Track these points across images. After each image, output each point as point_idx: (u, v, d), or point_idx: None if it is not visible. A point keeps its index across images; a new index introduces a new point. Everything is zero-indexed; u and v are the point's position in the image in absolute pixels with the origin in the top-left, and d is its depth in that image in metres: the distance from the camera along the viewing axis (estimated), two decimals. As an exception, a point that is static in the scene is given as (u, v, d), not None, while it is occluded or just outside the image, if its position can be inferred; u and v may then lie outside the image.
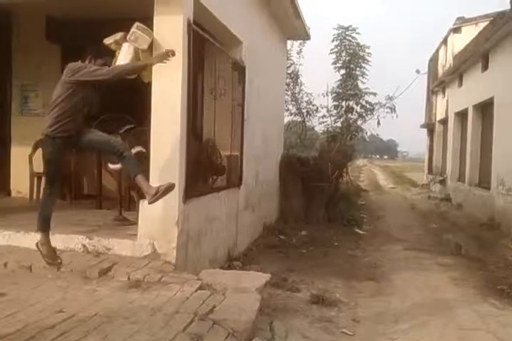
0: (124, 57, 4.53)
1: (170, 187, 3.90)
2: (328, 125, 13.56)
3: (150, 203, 3.90)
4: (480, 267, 7.15)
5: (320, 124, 13.96)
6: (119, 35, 4.61)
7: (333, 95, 13.27)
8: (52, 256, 3.90)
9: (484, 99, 12.71)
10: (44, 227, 3.96)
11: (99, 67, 3.90)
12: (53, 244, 4.05)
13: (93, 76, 3.83)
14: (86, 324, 3.05)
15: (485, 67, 12.85)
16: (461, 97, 15.90)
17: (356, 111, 13.12)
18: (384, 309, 5.12)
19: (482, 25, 15.02)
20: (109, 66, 4.04)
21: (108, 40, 4.66)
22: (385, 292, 5.75)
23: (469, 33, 16.12)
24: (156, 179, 4.46)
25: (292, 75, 13.68)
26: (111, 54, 4.57)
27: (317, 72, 18.84)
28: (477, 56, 13.23)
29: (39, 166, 6.72)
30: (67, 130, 3.84)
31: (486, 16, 15.64)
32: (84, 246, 4.50)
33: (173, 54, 4.09)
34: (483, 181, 12.98)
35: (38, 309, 3.26)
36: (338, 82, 13.26)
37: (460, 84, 16.13)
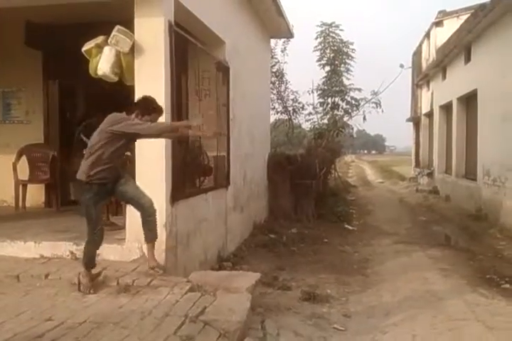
0: (105, 60, 4.52)
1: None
2: (314, 122, 13.62)
3: (150, 269, 4.04)
4: (469, 257, 7.24)
5: (307, 122, 14.02)
6: (100, 39, 4.60)
7: (319, 92, 13.33)
8: (88, 286, 3.83)
9: (468, 92, 12.83)
10: (91, 265, 3.95)
11: (140, 122, 3.84)
12: (41, 251, 4.03)
13: (132, 129, 3.79)
14: (75, 331, 3.04)
15: (468, 60, 12.96)
16: (445, 90, 16.03)
17: (342, 108, 13.21)
18: (375, 303, 5.17)
19: (463, 17, 15.15)
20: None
21: (89, 44, 4.65)
22: (376, 286, 5.80)
23: (451, 26, 16.24)
24: (142, 182, 4.45)
25: (277, 74, 13.72)
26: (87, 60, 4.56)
27: (303, 69, 18.90)
28: (459, 49, 13.34)
29: (24, 173, 6.72)
30: (104, 177, 3.85)
31: (467, 9, 15.76)
32: (72, 252, 4.48)
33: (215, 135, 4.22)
34: (470, 172, 13.12)
35: (27, 318, 3.25)
36: (323, 79, 13.32)
37: (444, 77, 16.26)
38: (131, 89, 4.60)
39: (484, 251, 7.61)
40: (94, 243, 3.95)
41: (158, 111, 3.99)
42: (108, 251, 4.45)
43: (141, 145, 4.49)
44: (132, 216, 4.45)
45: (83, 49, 4.65)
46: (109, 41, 4.49)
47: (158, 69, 4.52)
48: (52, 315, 3.30)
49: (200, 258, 5.49)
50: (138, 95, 4.50)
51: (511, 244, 8.06)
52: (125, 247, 4.46)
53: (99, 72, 4.53)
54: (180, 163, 5.04)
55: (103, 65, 4.51)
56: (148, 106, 3.93)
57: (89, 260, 3.94)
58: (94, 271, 3.97)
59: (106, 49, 4.52)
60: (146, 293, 3.77)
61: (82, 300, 3.60)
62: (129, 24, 4.50)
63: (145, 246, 4.39)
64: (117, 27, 4.47)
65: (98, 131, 3.90)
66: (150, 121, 3.88)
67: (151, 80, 4.52)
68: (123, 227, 4.67)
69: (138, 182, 4.45)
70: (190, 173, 5.64)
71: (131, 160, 4.68)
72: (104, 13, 5.20)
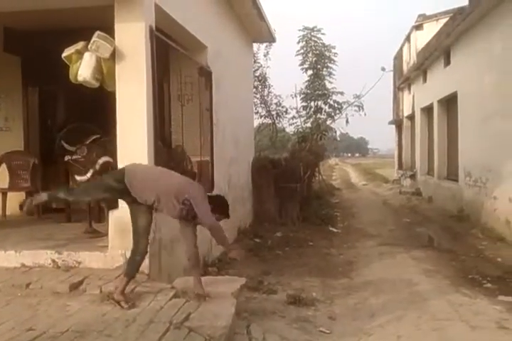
0: (86, 66, 4.49)
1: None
2: (298, 126, 13.71)
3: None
4: (452, 258, 7.34)
5: (290, 125, 14.12)
6: (80, 45, 4.56)
7: (302, 96, 13.43)
8: (127, 300, 3.68)
9: (448, 94, 13.03)
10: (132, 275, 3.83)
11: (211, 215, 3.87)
12: (22, 260, 3.96)
13: (204, 217, 3.82)
14: (58, 340, 2.99)
15: (447, 63, 13.17)
16: (426, 93, 16.25)
17: (325, 111, 13.32)
18: (360, 305, 5.20)
19: (443, 21, 15.41)
20: None
21: (69, 50, 4.61)
22: (361, 288, 5.83)
23: (431, 30, 16.50)
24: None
25: (260, 78, 13.78)
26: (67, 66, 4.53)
27: (286, 73, 18.99)
28: (439, 52, 13.55)
29: (3, 181, 6.61)
30: None
31: (446, 13, 16.03)
32: (53, 261, 4.40)
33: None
34: (452, 174, 13.30)
35: (8, 328, 3.18)
36: (306, 83, 13.42)
37: (424, 80, 16.49)
38: (112, 95, 4.57)
39: (466, 252, 7.72)
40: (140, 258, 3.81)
41: (225, 217, 4.09)
42: (90, 259, 4.39)
43: (123, 151, 4.46)
44: (114, 223, 4.42)
45: (63, 55, 4.61)
46: (89, 47, 4.45)
47: (139, 74, 4.50)
48: (34, 324, 3.24)
49: (184, 264, 5.43)
50: (119, 101, 4.50)
51: (492, 244, 8.19)
52: (108, 254, 4.40)
53: (80, 78, 4.49)
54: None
55: (83, 70, 4.47)
56: (226, 211, 4.06)
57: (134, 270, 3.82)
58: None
59: (86, 55, 4.48)
60: (130, 300, 3.73)
61: (65, 309, 3.54)
62: (109, 30, 4.47)
63: (129, 253, 4.36)
64: (97, 32, 4.44)
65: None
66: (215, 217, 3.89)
67: (133, 86, 4.49)
68: (106, 234, 4.62)
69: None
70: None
71: (114, 167, 4.65)
72: (84, 18, 5.17)
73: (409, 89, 19.75)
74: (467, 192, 11.10)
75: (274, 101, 14.07)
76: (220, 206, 3.99)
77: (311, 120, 13.35)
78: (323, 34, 13.24)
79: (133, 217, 3.77)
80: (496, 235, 8.60)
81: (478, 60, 10.41)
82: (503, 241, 8.22)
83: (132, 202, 3.74)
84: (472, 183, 10.76)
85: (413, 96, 18.78)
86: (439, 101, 14.34)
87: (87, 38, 4.45)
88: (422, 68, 16.30)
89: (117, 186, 3.68)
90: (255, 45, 12.37)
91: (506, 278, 6.16)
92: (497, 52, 9.17)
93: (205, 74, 6.68)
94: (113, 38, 4.47)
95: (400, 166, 22.52)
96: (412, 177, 18.75)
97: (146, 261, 4.31)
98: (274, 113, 14.05)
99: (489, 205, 9.50)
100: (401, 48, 22.12)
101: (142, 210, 3.74)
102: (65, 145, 5.33)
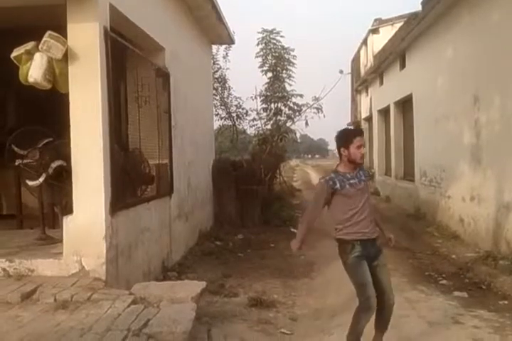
0: (36, 67, 4.33)
1: None
2: (258, 128, 13.72)
3: None
4: (409, 256, 7.51)
5: (251, 127, 14.10)
6: (30, 45, 4.41)
7: (262, 98, 13.45)
8: None
9: (404, 96, 13.39)
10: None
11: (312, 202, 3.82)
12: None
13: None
14: (8, 353, 2.87)
15: (402, 66, 13.53)
16: (382, 95, 16.64)
17: (285, 113, 13.37)
18: (321, 305, 5.24)
19: (398, 25, 15.85)
20: None
21: (18, 50, 4.44)
22: (322, 288, 5.88)
23: (387, 34, 16.96)
24: (79, 193, 4.30)
25: (220, 80, 13.72)
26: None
27: (247, 75, 19.02)
28: (395, 55, 13.90)
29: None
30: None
31: (401, 17, 16.50)
32: (4, 269, 4.23)
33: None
34: (408, 174, 13.67)
35: (-47, 342, 3.03)
36: (266, 85, 13.45)
37: (381, 83, 16.89)
38: (65, 97, 4.44)
39: (423, 249, 7.93)
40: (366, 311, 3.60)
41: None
42: (44, 267, 4.25)
43: (78, 154, 4.34)
44: (69, 228, 4.29)
45: (12, 55, 4.45)
46: (40, 47, 4.31)
47: (93, 76, 4.39)
48: (-18, 337, 3.10)
49: (143, 270, 5.35)
50: (72, 103, 4.37)
51: (447, 242, 8.45)
52: (63, 261, 4.27)
53: (30, 79, 4.34)
54: (119, 171, 4.91)
55: (34, 71, 4.32)
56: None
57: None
58: None
59: (37, 55, 4.34)
60: (86, 308, 3.63)
61: (16, 320, 3.40)
62: (61, 29, 4.34)
63: (84, 259, 4.25)
64: (48, 32, 4.31)
65: None
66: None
67: (87, 87, 4.39)
68: (60, 241, 4.47)
69: (74, 193, 4.31)
70: (131, 182, 5.50)
71: (68, 170, 4.50)
72: (34, 17, 5.00)
73: (367, 91, 20.18)
74: (423, 192, 11.42)
75: (235, 103, 14.04)
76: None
77: (272, 122, 13.39)
78: (282, 37, 13.32)
79: None
80: (450, 233, 8.88)
81: (431, 64, 10.75)
82: (457, 239, 8.49)
83: None
84: (427, 183, 11.08)
85: (370, 99, 19.20)
86: (395, 103, 14.72)
87: (38, 38, 4.30)
88: (378, 71, 16.68)
89: None
90: (214, 47, 12.33)
91: (460, 274, 6.37)
92: (448, 56, 9.49)
93: (163, 75, 6.59)
94: (66, 38, 4.34)
95: (359, 167, 22.92)
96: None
97: (102, 268, 4.22)
98: (234, 115, 14.01)
99: (444, 204, 9.81)
100: (358, 51, 22.59)
101: None
102: (16, 149, 5.12)
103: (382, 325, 3.74)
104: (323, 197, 3.64)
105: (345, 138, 3.73)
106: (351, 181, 3.63)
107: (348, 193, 3.59)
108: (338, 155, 3.88)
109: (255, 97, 13.44)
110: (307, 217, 3.86)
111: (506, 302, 5.28)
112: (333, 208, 3.70)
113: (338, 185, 3.58)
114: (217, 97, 13.48)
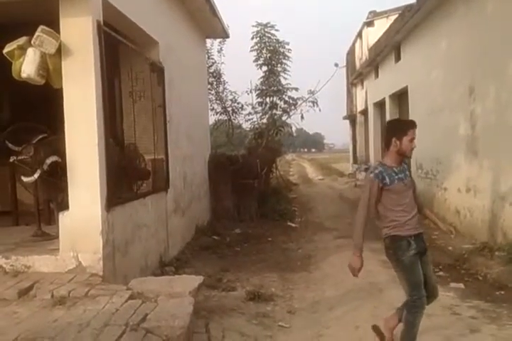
0: (29, 62, 4.29)
1: None
2: (254, 122, 13.69)
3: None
4: (406, 249, 7.52)
5: (247, 122, 14.07)
6: (22, 40, 4.37)
7: (257, 92, 13.41)
8: None
9: (399, 89, 13.38)
10: None
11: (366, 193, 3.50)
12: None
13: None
14: (6, 350, 2.87)
15: (398, 58, 13.51)
16: (378, 88, 16.63)
17: (280, 107, 13.35)
18: (318, 298, 5.26)
19: (392, 18, 15.81)
20: None
21: (11, 46, 4.40)
22: (319, 281, 5.90)
23: (381, 26, 16.92)
24: (75, 189, 4.28)
25: (215, 74, 13.66)
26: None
27: (242, 69, 18.96)
28: (390, 48, 13.88)
29: None
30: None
31: (396, 9, 16.45)
32: (0, 266, 4.21)
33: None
34: (404, 167, 13.66)
35: (-49, 339, 3.02)
36: (261, 79, 13.41)
37: (377, 76, 16.87)
38: (59, 92, 4.40)
39: (420, 242, 7.94)
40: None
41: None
42: (40, 263, 4.24)
43: (72, 149, 4.31)
44: (65, 224, 4.27)
45: (4, 51, 4.40)
46: (32, 42, 4.26)
47: (87, 70, 4.35)
48: (-20, 334, 3.09)
49: (140, 265, 5.35)
50: (66, 98, 4.34)
51: (443, 234, 8.42)
52: (59, 257, 4.25)
53: (23, 75, 4.30)
54: (115, 167, 4.88)
55: (27, 67, 4.28)
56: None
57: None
58: None
59: (30, 50, 4.29)
60: (84, 304, 3.62)
61: (13, 317, 3.39)
62: (54, 24, 4.30)
63: (81, 255, 4.24)
64: (41, 27, 4.26)
65: None
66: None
67: (81, 82, 4.35)
68: (56, 237, 4.46)
69: (70, 189, 4.29)
70: (127, 177, 5.48)
71: (63, 166, 4.48)
72: (27, 12, 4.94)
73: (362, 84, 20.16)
74: (419, 184, 11.41)
75: (230, 97, 13.99)
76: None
77: (267, 116, 13.36)
78: (276, 30, 13.26)
79: None
80: (446, 225, 8.90)
81: (426, 56, 10.73)
82: (454, 230, 8.51)
83: None
84: (424, 175, 11.11)
85: (366, 92, 19.19)
86: (391, 96, 14.71)
87: (31, 33, 4.26)
88: (373, 64, 16.66)
89: None
90: (209, 41, 12.26)
91: (457, 265, 6.41)
92: (443, 48, 9.48)
93: (157, 69, 6.55)
94: (58, 32, 4.30)
95: (355, 160, 23.00)
96: (367, 170, 19.19)
97: (99, 264, 4.21)
98: (229, 109, 13.96)
99: (440, 196, 9.83)
100: (353, 44, 22.54)
101: None
102: (10, 145, 5.09)
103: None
104: (374, 195, 3.44)
105: (399, 128, 3.57)
106: (400, 175, 3.48)
107: (397, 189, 3.44)
108: (384, 145, 3.67)
109: (250, 91, 13.42)
110: (361, 220, 3.55)
111: (503, 292, 5.32)
112: (382, 205, 3.51)
113: (387, 180, 3.42)
114: (213, 92, 13.43)
